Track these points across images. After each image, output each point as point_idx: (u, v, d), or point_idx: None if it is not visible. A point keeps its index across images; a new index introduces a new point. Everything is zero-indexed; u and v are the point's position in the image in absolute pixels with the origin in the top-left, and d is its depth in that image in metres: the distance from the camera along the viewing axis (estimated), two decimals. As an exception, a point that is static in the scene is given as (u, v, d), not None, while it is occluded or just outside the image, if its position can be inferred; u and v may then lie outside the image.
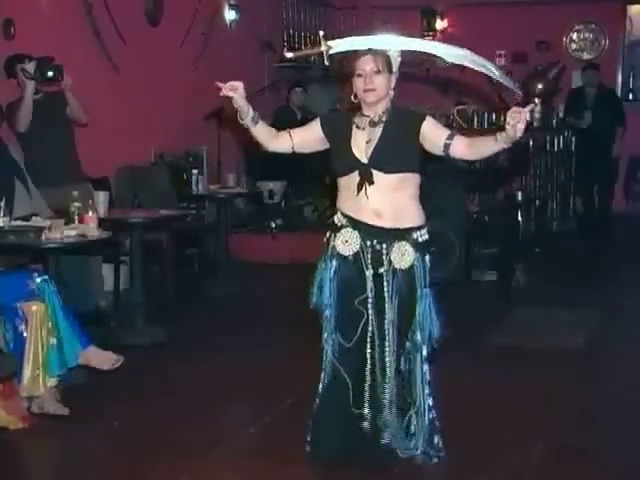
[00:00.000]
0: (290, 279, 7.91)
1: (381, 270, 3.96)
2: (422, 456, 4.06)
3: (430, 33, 12.15)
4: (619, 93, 11.70)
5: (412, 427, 4.04)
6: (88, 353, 4.93)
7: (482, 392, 5.14)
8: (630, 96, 12.01)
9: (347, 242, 3.99)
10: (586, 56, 12.02)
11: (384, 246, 3.95)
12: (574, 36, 12.21)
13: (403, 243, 3.94)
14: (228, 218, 8.17)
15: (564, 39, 12.19)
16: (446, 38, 11.94)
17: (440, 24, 12.32)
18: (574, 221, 10.87)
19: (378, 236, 3.95)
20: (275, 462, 4.13)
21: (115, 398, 5.03)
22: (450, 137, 3.85)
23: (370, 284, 3.97)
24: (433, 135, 3.89)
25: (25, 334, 4.71)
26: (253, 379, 5.37)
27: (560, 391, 5.19)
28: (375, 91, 3.90)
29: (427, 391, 4.06)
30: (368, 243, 3.96)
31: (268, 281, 8.11)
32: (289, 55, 4.46)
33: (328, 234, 4.07)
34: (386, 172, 3.89)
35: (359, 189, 3.91)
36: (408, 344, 4.00)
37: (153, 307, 6.38)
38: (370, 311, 3.98)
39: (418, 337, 3.99)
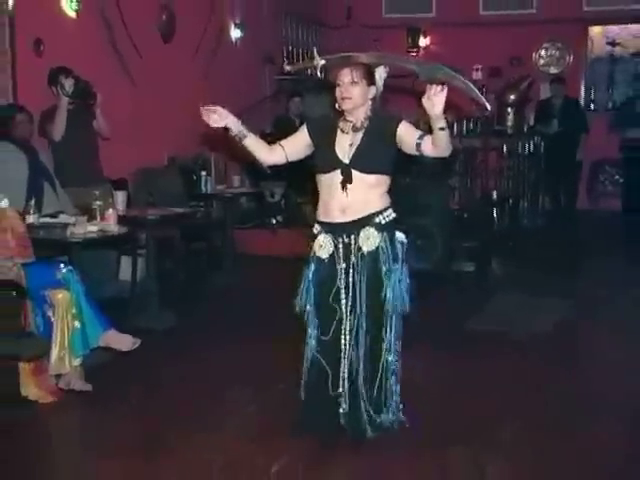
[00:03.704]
0: (289, 271, 7.92)
1: (351, 260, 3.96)
2: (389, 426, 4.06)
3: (414, 49, 12.16)
4: (582, 103, 11.70)
5: (382, 397, 4.02)
6: (109, 336, 4.93)
7: (461, 373, 5.13)
8: (592, 106, 12.02)
9: (322, 246, 4.02)
10: (553, 70, 12.02)
11: (352, 237, 3.96)
12: (543, 53, 12.22)
13: (367, 228, 3.94)
14: (233, 215, 8.17)
15: (534, 55, 12.20)
16: (429, 54, 11.99)
17: (423, 41, 12.30)
18: (543, 218, 10.87)
19: (346, 230, 3.96)
20: (278, 436, 4.12)
21: (132, 376, 5.05)
22: (420, 137, 3.85)
23: (341, 276, 3.98)
24: (407, 136, 3.89)
25: (52, 319, 4.71)
26: (256, 361, 5.36)
27: (533, 371, 5.19)
28: (351, 99, 3.94)
29: (394, 363, 4.04)
30: (340, 240, 3.98)
31: (269, 272, 8.08)
32: (288, 68, 4.52)
33: (310, 242, 4.10)
34: (364, 173, 3.92)
35: (343, 187, 3.92)
36: (380, 318, 3.97)
37: (166, 295, 6.36)
38: (343, 302, 3.98)
39: (388, 308, 3.95)
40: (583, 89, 12.10)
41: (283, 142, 4.12)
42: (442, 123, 3.69)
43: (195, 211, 7.50)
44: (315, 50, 4.10)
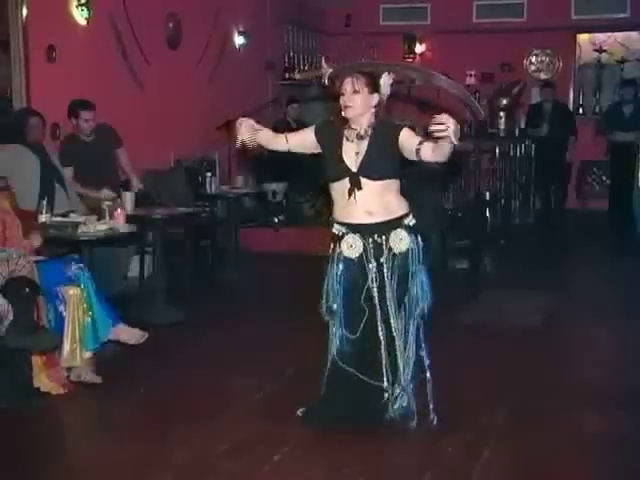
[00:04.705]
0: (290, 267, 7.96)
1: (382, 259, 3.96)
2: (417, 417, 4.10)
3: (410, 56, 12.16)
4: (571, 108, 11.69)
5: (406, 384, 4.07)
6: (118, 330, 4.94)
7: (454, 364, 5.10)
8: (580, 110, 11.99)
9: (352, 246, 4.00)
10: (543, 76, 12.00)
11: (383, 237, 3.96)
12: (533, 59, 12.20)
13: (398, 230, 3.96)
14: (237, 214, 8.16)
15: (524, 61, 12.18)
16: (424, 60, 11.99)
17: (419, 48, 12.29)
18: (533, 217, 10.87)
19: (376, 230, 3.96)
20: (280, 423, 4.13)
21: (140, 368, 5.04)
22: (420, 143, 3.84)
23: (372, 275, 3.97)
24: (408, 143, 3.89)
25: (64, 314, 4.71)
26: (258, 353, 5.36)
27: (521, 362, 5.19)
28: (352, 108, 3.94)
29: (423, 352, 4.11)
30: (370, 240, 3.97)
31: (271, 269, 8.10)
32: (297, 76, 4.58)
33: (332, 244, 4.07)
34: (373, 179, 3.93)
35: (349, 194, 3.94)
36: (403, 313, 4.00)
37: (173, 291, 6.37)
38: (374, 300, 3.97)
39: (413, 307, 4.00)
40: (572, 94, 12.07)
41: (289, 134, 4.19)
42: (449, 141, 3.66)
43: (200, 210, 7.50)
44: (323, 59, 4.15)
